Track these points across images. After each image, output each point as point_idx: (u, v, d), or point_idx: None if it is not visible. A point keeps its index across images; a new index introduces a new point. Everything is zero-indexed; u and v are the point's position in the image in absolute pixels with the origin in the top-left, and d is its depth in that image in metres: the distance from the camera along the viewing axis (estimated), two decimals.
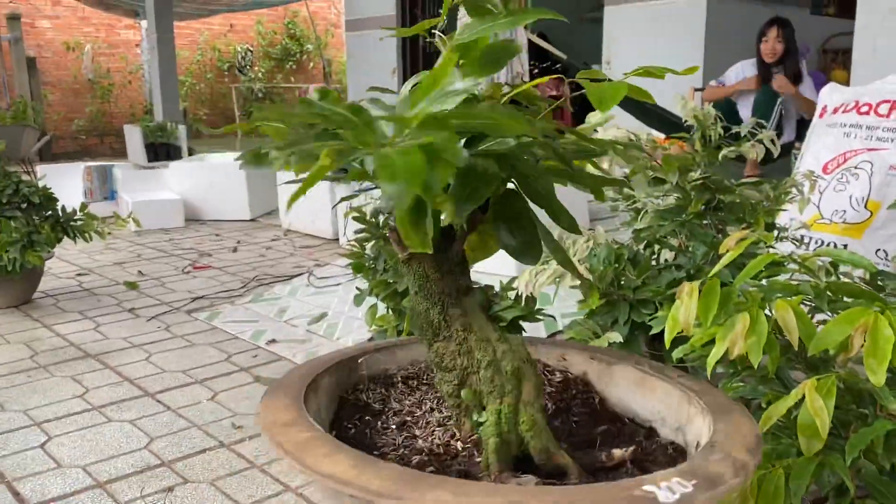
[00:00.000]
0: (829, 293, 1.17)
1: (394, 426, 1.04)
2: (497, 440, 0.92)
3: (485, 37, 0.83)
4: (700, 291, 1.13)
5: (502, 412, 0.94)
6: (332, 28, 13.31)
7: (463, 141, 0.84)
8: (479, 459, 0.95)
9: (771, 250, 1.32)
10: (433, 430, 1.02)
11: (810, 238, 2.54)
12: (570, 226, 0.93)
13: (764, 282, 1.26)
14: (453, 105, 0.78)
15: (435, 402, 1.10)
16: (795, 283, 1.21)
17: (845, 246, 2.46)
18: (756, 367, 1.10)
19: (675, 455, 1.02)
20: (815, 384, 1.01)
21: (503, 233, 0.93)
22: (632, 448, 1.00)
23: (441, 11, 0.95)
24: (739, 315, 1.08)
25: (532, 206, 0.92)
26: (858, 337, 1.02)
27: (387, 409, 1.09)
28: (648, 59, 5.02)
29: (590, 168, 1.04)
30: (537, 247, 0.92)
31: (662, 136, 3.39)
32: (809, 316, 1.13)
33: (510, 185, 0.91)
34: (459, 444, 0.98)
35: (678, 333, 1.18)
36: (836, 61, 5.81)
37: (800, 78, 4.26)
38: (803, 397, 1.01)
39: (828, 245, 2.49)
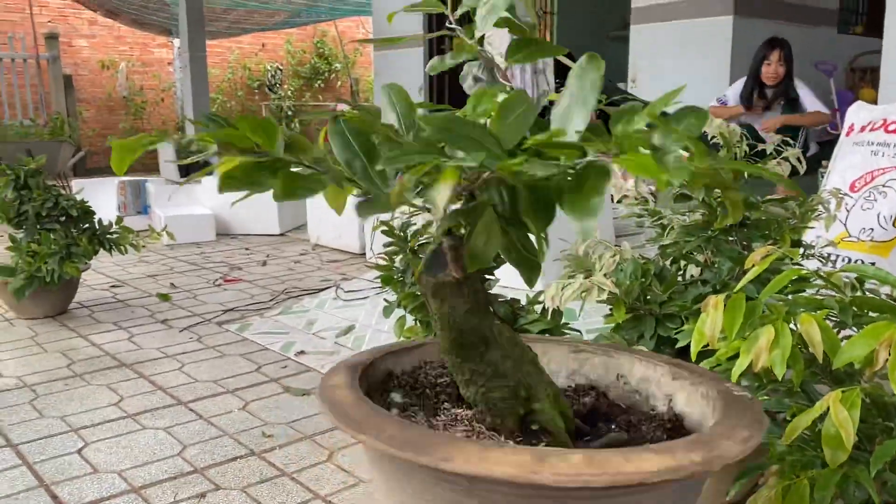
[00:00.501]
0: (853, 308, 1.18)
1: None
2: (562, 421, 1.00)
3: None
4: (725, 305, 1.15)
5: (550, 396, 1.00)
6: (361, 47, 13.49)
7: None
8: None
9: (797, 266, 1.33)
10: (477, 437, 1.03)
11: (837, 256, 2.53)
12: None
13: (789, 297, 1.27)
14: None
15: (442, 414, 1.10)
16: (821, 298, 1.22)
17: (873, 264, 2.44)
18: (780, 379, 1.11)
19: (631, 394, 1.21)
20: (840, 396, 1.02)
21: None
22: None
23: (469, 27, 0.99)
24: (764, 328, 1.10)
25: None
26: (883, 351, 1.02)
27: None
28: (674, 77, 5.05)
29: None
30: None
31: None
32: (835, 331, 1.15)
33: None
34: (512, 443, 1.01)
35: (704, 347, 1.20)
36: (863, 80, 5.77)
37: (796, 96, 4.23)
38: (828, 409, 1.03)
39: (855, 263, 2.48)
